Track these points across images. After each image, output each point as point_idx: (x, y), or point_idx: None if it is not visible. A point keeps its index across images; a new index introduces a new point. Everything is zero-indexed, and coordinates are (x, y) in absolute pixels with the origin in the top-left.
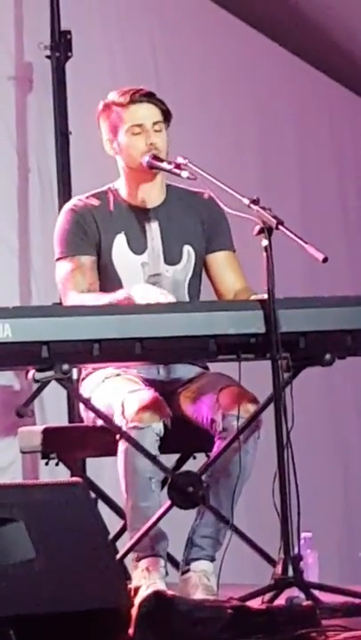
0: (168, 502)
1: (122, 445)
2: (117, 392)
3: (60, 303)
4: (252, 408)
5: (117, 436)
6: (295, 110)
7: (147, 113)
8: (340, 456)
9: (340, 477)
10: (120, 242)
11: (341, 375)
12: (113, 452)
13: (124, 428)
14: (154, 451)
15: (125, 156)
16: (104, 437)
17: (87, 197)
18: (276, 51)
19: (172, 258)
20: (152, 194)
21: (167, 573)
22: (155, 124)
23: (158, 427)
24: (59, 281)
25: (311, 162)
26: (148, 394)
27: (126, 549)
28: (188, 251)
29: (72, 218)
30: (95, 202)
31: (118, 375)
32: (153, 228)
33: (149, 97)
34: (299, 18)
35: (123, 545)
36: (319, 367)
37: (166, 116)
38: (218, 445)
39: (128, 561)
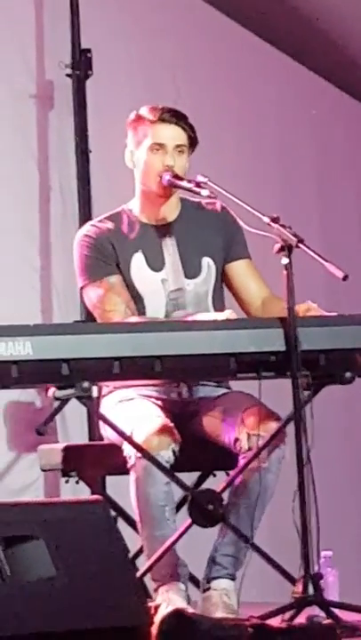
0: (188, 521)
1: (133, 475)
2: (128, 420)
3: (86, 320)
4: (274, 427)
5: (128, 465)
6: (315, 128)
7: (171, 134)
8: (360, 474)
9: None
10: (138, 261)
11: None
12: None
13: (134, 458)
14: (165, 477)
15: (142, 172)
16: (124, 455)
17: (100, 221)
18: (295, 68)
19: (191, 271)
20: (167, 210)
21: (189, 598)
22: (177, 146)
23: (167, 454)
24: (93, 307)
25: (331, 179)
26: (157, 421)
27: (146, 568)
28: (207, 263)
29: (89, 243)
30: (109, 224)
31: (132, 399)
32: (170, 244)
33: (178, 119)
34: (318, 35)
35: (143, 563)
36: (339, 385)
37: (191, 141)
38: (241, 464)
39: (148, 580)
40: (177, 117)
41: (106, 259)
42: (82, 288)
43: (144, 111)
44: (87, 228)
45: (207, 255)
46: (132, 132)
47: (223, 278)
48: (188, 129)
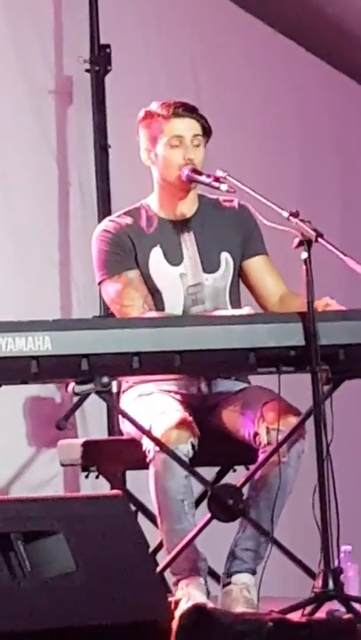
0: (207, 516)
1: (152, 469)
2: (147, 414)
3: (105, 315)
4: (294, 421)
5: (147, 459)
6: (336, 123)
7: (188, 126)
8: None
9: None
10: (156, 255)
11: None
12: None
13: (153, 452)
14: (184, 471)
15: (162, 167)
16: (143, 450)
17: (119, 216)
18: (317, 64)
19: (210, 266)
20: (186, 205)
21: (209, 592)
22: (194, 137)
23: (186, 448)
24: (111, 302)
25: (352, 174)
26: (176, 415)
27: (166, 563)
28: (225, 258)
29: (107, 238)
30: (128, 220)
31: (151, 394)
32: (188, 239)
33: (191, 111)
34: (338, 31)
35: (163, 557)
36: (359, 379)
37: (206, 131)
38: (261, 459)
39: (168, 574)
40: (189, 110)
41: (124, 253)
42: (100, 283)
43: (155, 107)
44: (106, 223)
45: (225, 250)
46: (145, 129)
47: (240, 274)
48: (201, 119)
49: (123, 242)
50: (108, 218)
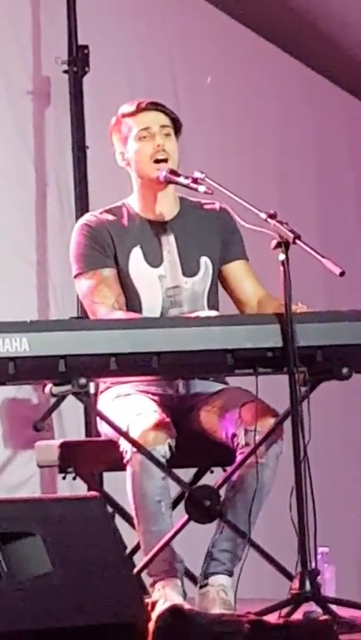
0: (185, 517)
1: (129, 470)
2: (124, 415)
3: (83, 317)
4: (272, 423)
5: (125, 460)
6: (314, 125)
7: (154, 118)
8: (359, 471)
9: (359, 492)
10: (136, 255)
11: None
12: None
13: (130, 453)
14: (161, 472)
15: (135, 164)
16: (120, 451)
17: (101, 213)
18: (294, 65)
19: (190, 269)
20: (166, 207)
21: (185, 594)
22: (163, 127)
23: (163, 449)
24: (83, 297)
25: (330, 176)
26: (153, 416)
27: (143, 564)
28: (205, 262)
29: (88, 232)
30: (109, 216)
31: (129, 395)
32: (169, 241)
33: (157, 105)
34: (318, 34)
35: (140, 559)
36: (339, 381)
37: (175, 124)
38: (239, 460)
39: (145, 576)
40: (155, 103)
41: (103, 249)
42: (75, 276)
43: (122, 109)
44: (87, 217)
45: (205, 254)
46: (116, 133)
47: (219, 278)
48: (169, 112)
49: (103, 237)
50: (90, 212)
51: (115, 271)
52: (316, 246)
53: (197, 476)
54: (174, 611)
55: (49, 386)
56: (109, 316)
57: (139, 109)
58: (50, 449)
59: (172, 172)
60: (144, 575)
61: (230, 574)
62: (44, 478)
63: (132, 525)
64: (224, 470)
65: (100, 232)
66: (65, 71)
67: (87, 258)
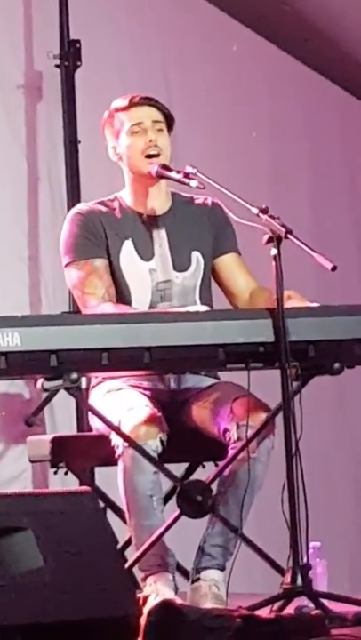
0: (176, 512)
1: (121, 464)
2: (115, 410)
3: (74, 312)
4: (264, 417)
5: (116, 455)
6: (306, 119)
7: (146, 113)
8: (351, 465)
9: (350, 487)
10: (128, 248)
11: (353, 385)
12: None
13: (121, 448)
14: (153, 467)
15: (127, 158)
16: (112, 446)
17: (94, 204)
18: (287, 61)
19: (181, 264)
20: (158, 202)
21: (177, 588)
22: (155, 122)
23: (155, 443)
24: (73, 287)
25: (322, 171)
26: (144, 411)
27: (134, 559)
28: (196, 257)
29: (80, 221)
30: (102, 208)
31: (120, 389)
32: (160, 236)
33: (150, 100)
34: (309, 28)
35: (131, 554)
36: (331, 377)
37: (168, 119)
38: (230, 455)
39: (137, 571)
40: (148, 98)
41: (95, 239)
42: (66, 266)
43: (115, 103)
44: (80, 206)
45: (197, 249)
46: (109, 127)
47: (212, 272)
48: (161, 107)
49: (95, 227)
50: (83, 202)
51: (106, 262)
52: (307, 241)
53: (189, 471)
54: (166, 605)
55: (40, 381)
56: (99, 307)
57: (131, 104)
58: (41, 444)
59: (164, 167)
60: (136, 570)
61: (222, 569)
62: (36, 473)
63: (124, 520)
64: (216, 465)
65: (93, 222)
66: (57, 65)
67: (79, 247)
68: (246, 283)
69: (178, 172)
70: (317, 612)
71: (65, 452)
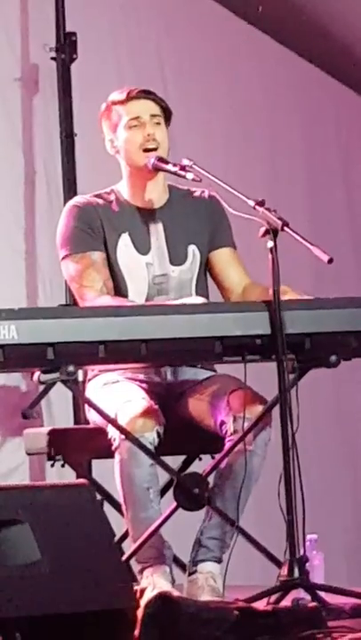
0: (173, 505)
1: (117, 457)
2: (112, 402)
3: (71, 304)
4: (260, 410)
5: (113, 447)
6: (302, 112)
7: (144, 107)
8: (348, 458)
9: (348, 479)
10: (125, 241)
11: (350, 377)
12: None
13: (118, 440)
14: (149, 459)
15: (124, 152)
16: (109, 439)
17: (91, 196)
18: (282, 53)
19: (177, 258)
20: (155, 195)
21: (174, 580)
22: (153, 116)
23: (151, 436)
24: (70, 280)
25: (318, 164)
26: (141, 403)
27: (131, 551)
28: (193, 251)
29: (77, 214)
30: (99, 200)
31: (117, 382)
32: (157, 229)
33: (148, 93)
34: (306, 21)
35: (128, 546)
36: (328, 370)
37: (165, 112)
38: (227, 447)
39: (134, 563)
40: (146, 92)
41: (92, 232)
42: (63, 258)
43: (112, 96)
44: (77, 199)
45: (193, 243)
46: (106, 120)
47: (207, 266)
48: (158, 100)
49: (92, 220)
50: (80, 195)
51: (103, 255)
52: (304, 234)
53: (186, 464)
54: (163, 597)
55: (37, 373)
56: (97, 300)
57: (129, 97)
58: (38, 436)
59: (161, 160)
60: (133, 562)
61: (219, 561)
62: (33, 466)
63: (121, 512)
64: (213, 457)
65: (90, 214)
66: (53, 58)
67: (76, 240)
68: (240, 278)
69: (174, 165)
70: (314, 604)
71: (62, 445)
